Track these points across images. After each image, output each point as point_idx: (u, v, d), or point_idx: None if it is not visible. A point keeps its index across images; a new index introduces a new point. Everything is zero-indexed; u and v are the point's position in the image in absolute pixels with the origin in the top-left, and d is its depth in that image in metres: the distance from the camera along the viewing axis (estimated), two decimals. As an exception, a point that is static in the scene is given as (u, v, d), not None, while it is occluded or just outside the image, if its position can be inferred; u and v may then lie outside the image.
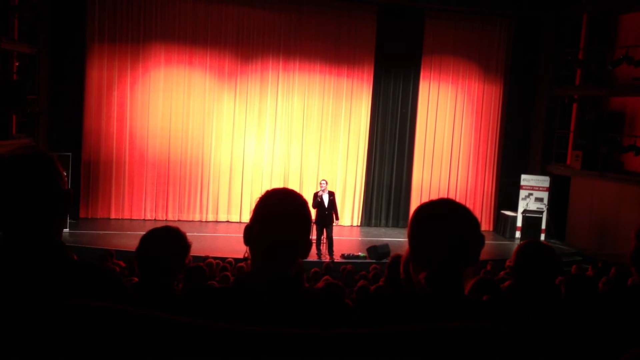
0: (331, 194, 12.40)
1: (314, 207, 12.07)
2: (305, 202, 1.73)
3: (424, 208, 1.78)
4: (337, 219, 12.53)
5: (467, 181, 16.94)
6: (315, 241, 12.25)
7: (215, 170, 15.93)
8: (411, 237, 1.77)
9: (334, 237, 12.38)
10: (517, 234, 15.58)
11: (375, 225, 16.59)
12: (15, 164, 1.59)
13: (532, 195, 15.88)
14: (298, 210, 1.70)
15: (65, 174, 1.70)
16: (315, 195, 12.29)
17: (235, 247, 11.16)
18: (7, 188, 1.56)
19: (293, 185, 15.36)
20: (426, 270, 1.71)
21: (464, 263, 1.73)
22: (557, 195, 15.84)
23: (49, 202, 1.60)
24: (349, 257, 12.45)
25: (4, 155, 1.61)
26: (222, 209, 16.00)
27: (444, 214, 1.75)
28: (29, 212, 1.57)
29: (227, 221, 15.86)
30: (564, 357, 1.74)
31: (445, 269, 1.70)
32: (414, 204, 16.23)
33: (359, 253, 12.82)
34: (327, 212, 12.23)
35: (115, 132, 15.31)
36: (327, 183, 12.64)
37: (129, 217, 15.41)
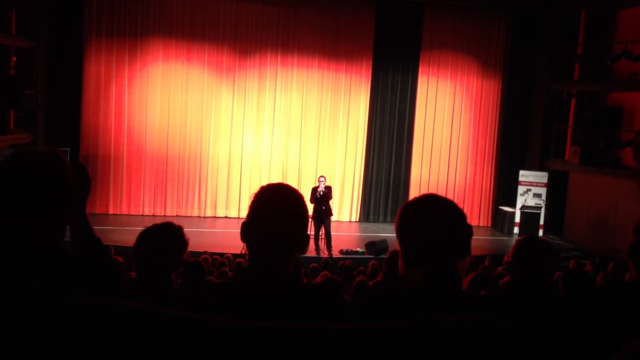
0: (327, 188, 12.39)
1: (312, 202, 12.08)
2: (301, 197, 1.73)
3: (408, 206, 1.79)
4: (330, 197, 12.45)
5: (466, 177, 16.93)
6: (313, 237, 12.26)
7: (213, 166, 15.93)
8: (400, 236, 1.78)
9: (332, 233, 12.39)
10: (516, 230, 15.59)
11: (374, 221, 16.60)
12: (28, 160, 1.60)
13: (530, 190, 15.89)
14: (294, 205, 1.70)
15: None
16: (314, 190, 12.29)
17: (234, 243, 11.15)
18: (16, 184, 1.57)
19: (291, 181, 15.36)
20: (419, 268, 1.71)
21: (455, 255, 1.73)
22: (555, 191, 15.85)
23: (55, 201, 1.61)
24: (347, 252, 12.46)
25: (19, 151, 1.62)
26: (220, 205, 16.01)
27: (428, 209, 1.76)
28: (34, 209, 1.57)
29: (226, 217, 15.86)
30: (565, 354, 1.74)
31: (439, 264, 1.70)
32: (413, 200, 16.23)
33: (358, 249, 12.83)
34: (325, 207, 12.24)
35: (113, 127, 15.29)
36: (325, 179, 12.64)
37: (127, 213, 15.40)
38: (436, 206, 1.76)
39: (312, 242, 12.06)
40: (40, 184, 1.58)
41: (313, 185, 12.76)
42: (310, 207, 12.01)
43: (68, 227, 1.86)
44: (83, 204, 1.84)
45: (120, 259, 8.05)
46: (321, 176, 12.71)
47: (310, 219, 11.71)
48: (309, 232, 1.78)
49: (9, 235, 1.55)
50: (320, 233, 12.40)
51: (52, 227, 1.61)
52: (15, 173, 1.57)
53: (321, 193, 12.16)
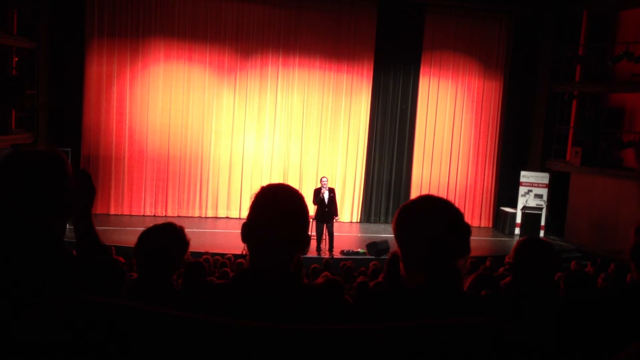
0: (331, 191, 12.42)
1: (314, 203, 12.10)
2: (301, 197, 1.72)
3: (404, 208, 1.79)
4: (336, 215, 12.57)
5: (467, 177, 16.92)
6: (315, 237, 12.26)
7: (214, 166, 15.93)
8: (398, 239, 1.77)
9: (333, 234, 12.40)
10: (517, 231, 15.58)
11: (375, 222, 16.60)
12: (26, 160, 1.60)
13: (532, 191, 15.88)
14: (294, 205, 1.69)
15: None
16: (317, 191, 12.30)
17: (235, 243, 11.13)
18: (15, 184, 1.57)
19: (292, 181, 15.36)
20: (419, 269, 1.71)
21: (454, 255, 1.73)
22: (557, 192, 15.84)
23: (55, 201, 1.61)
24: (348, 253, 12.46)
25: (18, 151, 1.62)
26: (221, 205, 16.01)
27: (424, 209, 1.76)
28: (33, 209, 1.57)
29: (227, 217, 15.86)
30: (566, 354, 1.74)
31: (438, 264, 1.70)
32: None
33: (359, 249, 12.82)
34: (327, 208, 12.25)
35: (114, 128, 15.30)
36: (327, 180, 12.66)
37: (128, 213, 15.41)
38: (432, 206, 1.76)
39: (313, 242, 12.06)
40: (39, 184, 1.58)
41: (314, 186, 12.78)
42: (312, 209, 12.04)
43: (74, 229, 1.87)
44: (88, 207, 1.84)
45: (121, 259, 8.05)
46: (323, 177, 12.73)
47: (312, 220, 11.73)
48: (311, 233, 1.77)
49: (8, 235, 1.55)
50: (323, 234, 12.41)
51: (52, 227, 1.61)
52: (14, 173, 1.57)
53: (321, 196, 12.18)
